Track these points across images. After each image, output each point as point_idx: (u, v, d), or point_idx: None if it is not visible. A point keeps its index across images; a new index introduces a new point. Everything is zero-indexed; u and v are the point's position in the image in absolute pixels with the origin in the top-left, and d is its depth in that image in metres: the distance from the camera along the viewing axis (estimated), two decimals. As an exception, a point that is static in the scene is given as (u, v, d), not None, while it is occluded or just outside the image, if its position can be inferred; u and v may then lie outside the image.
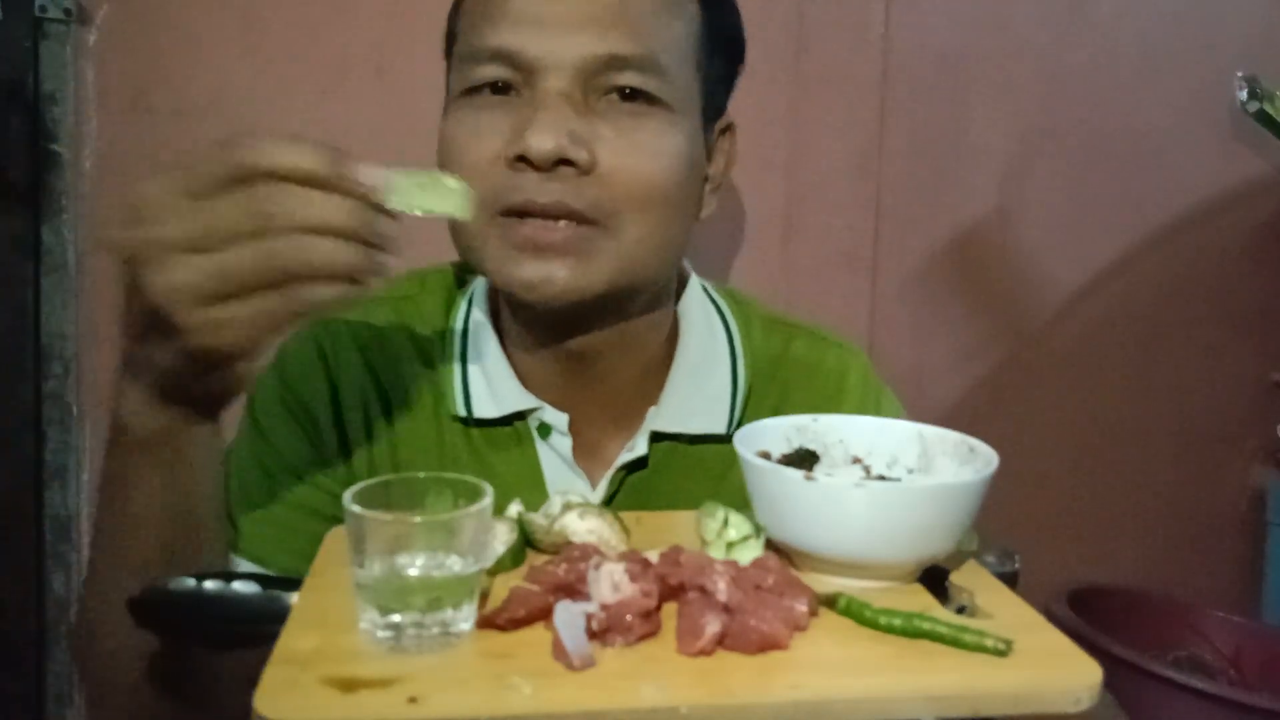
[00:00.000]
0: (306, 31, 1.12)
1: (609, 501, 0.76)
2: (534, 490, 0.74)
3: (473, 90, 0.70)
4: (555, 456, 0.76)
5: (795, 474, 0.55)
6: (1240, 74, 1.22)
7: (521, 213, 0.67)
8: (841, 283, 1.28)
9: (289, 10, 1.12)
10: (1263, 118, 1.22)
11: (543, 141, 0.64)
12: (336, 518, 0.72)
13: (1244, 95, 1.22)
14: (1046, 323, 1.35)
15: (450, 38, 0.76)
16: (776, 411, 0.78)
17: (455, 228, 0.71)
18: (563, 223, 0.67)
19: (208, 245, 0.51)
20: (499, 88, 0.69)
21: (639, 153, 0.68)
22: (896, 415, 0.83)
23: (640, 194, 0.68)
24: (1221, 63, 1.30)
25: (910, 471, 0.64)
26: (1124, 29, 1.31)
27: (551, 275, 0.67)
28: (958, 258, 1.31)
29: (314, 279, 0.52)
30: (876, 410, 0.82)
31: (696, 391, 0.78)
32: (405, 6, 1.14)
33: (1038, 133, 1.31)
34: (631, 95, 0.68)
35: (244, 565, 0.73)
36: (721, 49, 0.76)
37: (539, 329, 0.75)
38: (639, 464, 0.77)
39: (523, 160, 0.66)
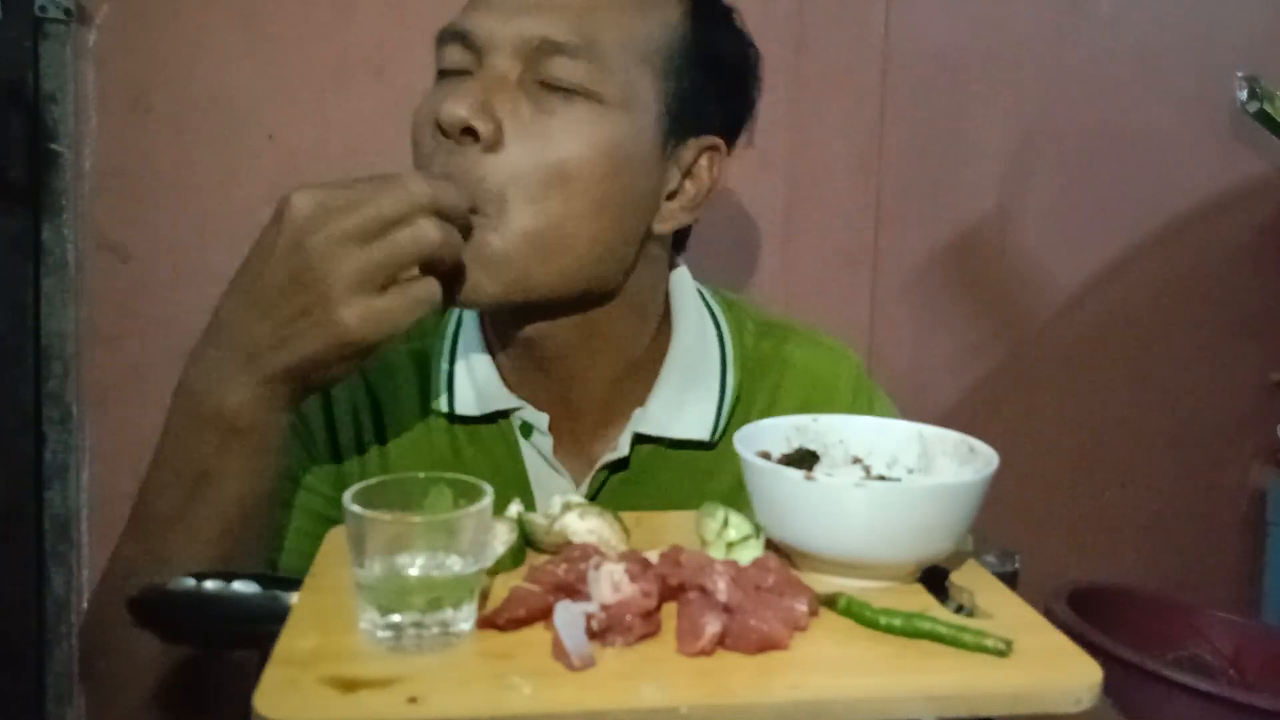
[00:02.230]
0: (306, 31, 1.12)
1: (591, 501, 0.76)
2: (518, 488, 0.75)
3: (441, 74, 0.73)
4: (538, 455, 0.77)
5: (795, 474, 0.55)
6: (1240, 74, 1.22)
7: None
8: (841, 283, 1.28)
9: (289, 10, 1.12)
10: (1263, 118, 1.22)
11: (451, 109, 0.66)
12: (331, 517, 0.74)
13: (1244, 95, 1.22)
14: (1046, 322, 1.35)
15: None
16: (767, 414, 0.78)
17: None
18: None
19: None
20: (460, 72, 0.71)
21: (549, 138, 0.67)
22: (889, 417, 0.83)
23: (541, 180, 0.67)
24: (1221, 63, 1.30)
25: (910, 471, 0.64)
26: (1124, 29, 1.31)
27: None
28: (958, 257, 1.31)
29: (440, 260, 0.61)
30: (869, 412, 0.82)
31: (684, 396, 0.78)
32: (405, 6, 1.14)
33: (1038, 133, 1.31)
34: (561, 86, 0.68)
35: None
36: (704, 63, 0.74)
37: (498, 323, 0.77)
38: (620, 465, 0.77)
39: (439, 128, 0.68)
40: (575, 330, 0.75)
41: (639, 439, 0.77)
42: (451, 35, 0.71)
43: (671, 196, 0.76)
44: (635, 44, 0.70)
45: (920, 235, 1.30)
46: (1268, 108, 1.20)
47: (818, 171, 1.25)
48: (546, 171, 0.67)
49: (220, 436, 0.62)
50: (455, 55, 0.71)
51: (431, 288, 0.61)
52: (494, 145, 0.67)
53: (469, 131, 0.66)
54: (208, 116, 1.11)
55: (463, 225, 0.63)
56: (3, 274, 1.09)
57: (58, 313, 1.11)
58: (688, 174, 0.76)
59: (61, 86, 1.08)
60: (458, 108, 0.66)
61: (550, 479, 0.76)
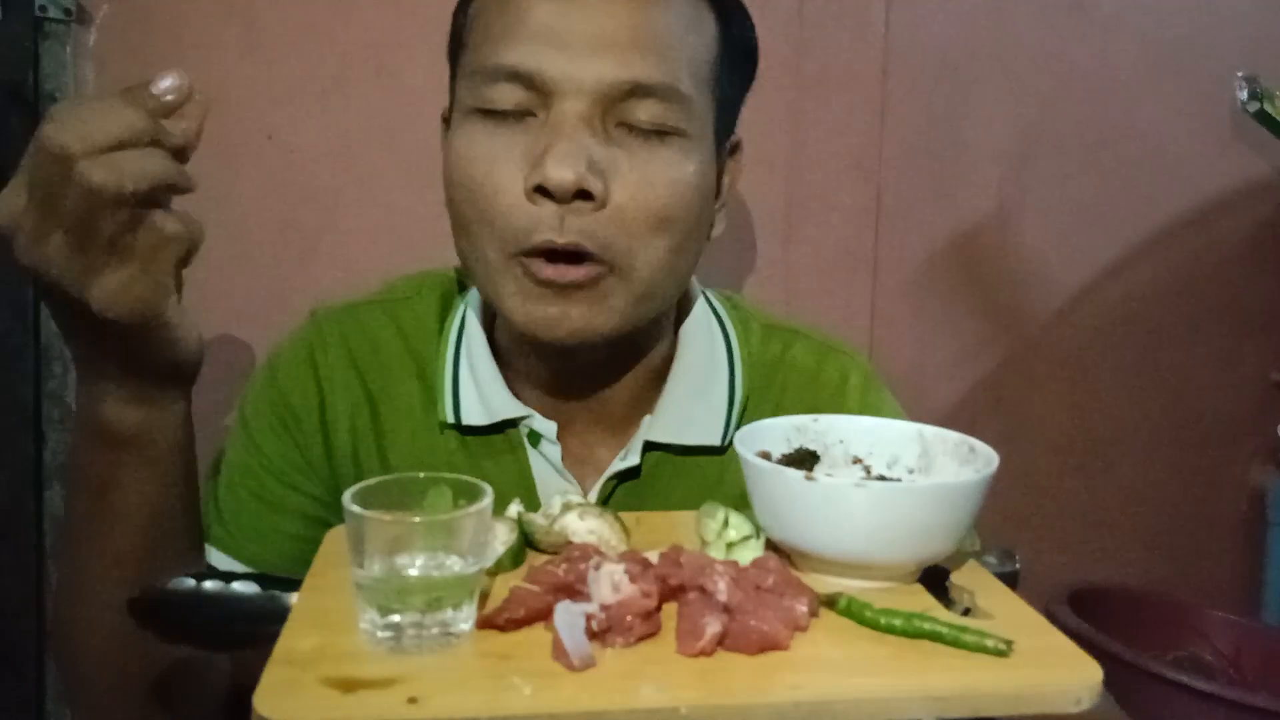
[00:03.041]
0: (306, 31, 1.12)
1: None
2: (526, 496, 0.74)
3: (487, 112, 0.67)
4: (546, 464, 0.76)
5: (795, 474, 0.55)
6: (1240, 74, 1.22)
7: (541, 254, 0.66)
8: (842, 283, 1.28)
9: (289, 10, 1.12)
10: (1263, 118, 1.22)
11: (563, 173, 0.63)
12: (321, 519, 0.74)
13: (1244, 95, 1.22)
14: (1047, 322, 1.35)
15: (456, 42, 0.74)
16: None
17: (472, 262, 0.70)
18: (585, 266, 0.66)
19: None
20: (520, 113, 0.66)
21: (653, 185, 0.66)
22: (898, 419, 0.83)
23: (651, 226, 0.67)
24: (1221, 63, 1.30)
25: (911, 472, 0.65)
26: (1124, 29, 1.31)
27: (567, 314, 0.66)
28: (958, 258, 1.31)
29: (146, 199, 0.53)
30: (879, 412, 0.81)
31: (693, 404, 0.78)
32: (405, 6, 1.14)
33: (1038, 132, 1.31)
34: (651, 129, 0.67)
35: (227, 561, 0.74)
36: (737, 66, 0.74)
37: (541, 350, 0.74)
38: (631, 473, 0.76)
39: (540, 190, 0.64)
40: (616, 346, 0.74)
41: (649, 446, 0.76)
42: (509, 75, 0.65)
43: (715, 201, 0.76)
44: (699, 69, 0.69)
45: (920, 235, 1.30)
46: (1268, 108, 1.20)
47: (818, 171, 1.25)
48: (654, 219, 0.66)
49: (110, 448, 0.62)
50: (514, 96, 0.66)
51: (160, 230, 0.54)
52: (604, 201, 0.65)
53: (581, 194, 0.64)
54: (207, 116, 1.11)
55: (143, 140, 0.54)
56: (3, 274, 1.09)
57: (58, 313, 1.11)
58: (719, 177, 0.76)
59: (61, 86, 1.08)
60: (567, 172, 0.62)
61: (558, 487, 0.75)
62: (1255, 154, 1.35)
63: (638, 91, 0.65)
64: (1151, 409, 1.39)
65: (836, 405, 0.80)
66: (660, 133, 0.67)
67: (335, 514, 0.75)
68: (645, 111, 0.66)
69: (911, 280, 1.30)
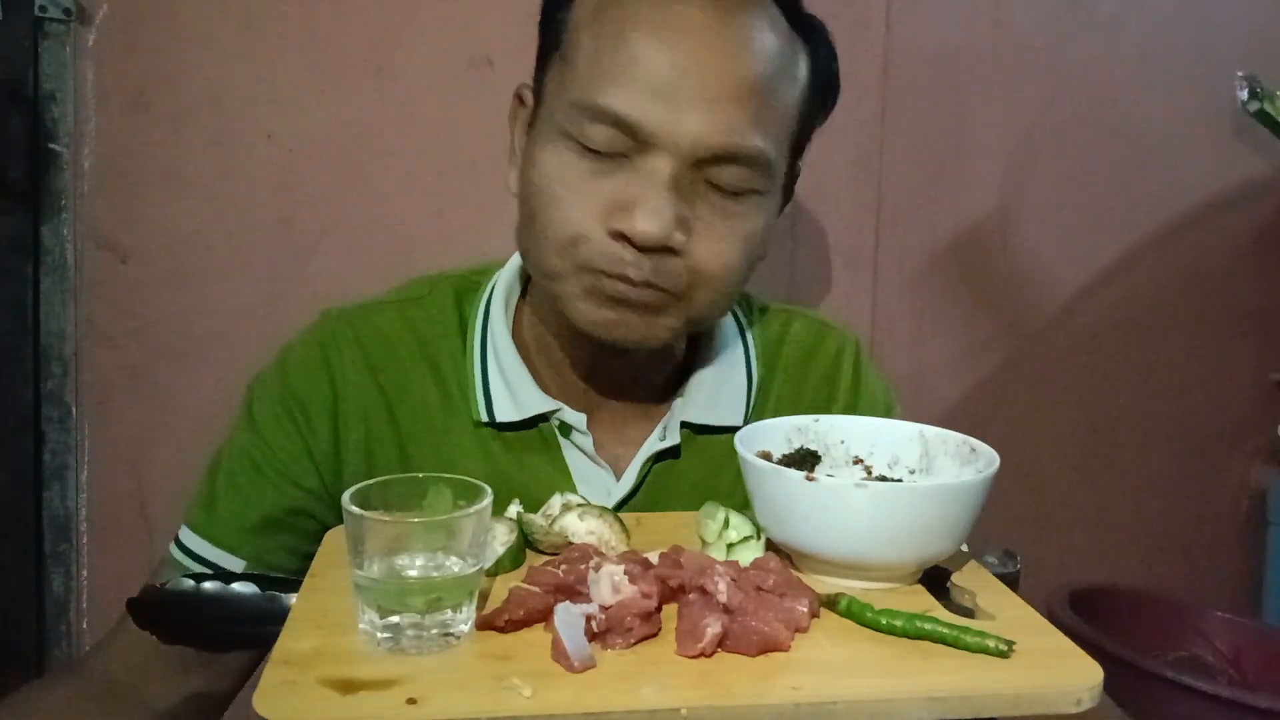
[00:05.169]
0: (305, 31, 1.12)
1: (637, 490, 0.77)
2: (563, 484, 0.76)
3: (578, 143, 0.68)
4: (579, 452, 0.78)
5: (796, 475, 0.55)
6: (1240, 74, 1.22)
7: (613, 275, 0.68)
8: (843, 283, 1.28)
9: (289, 10, 1.12)
10: (1263, 118, 1.22)
11: (650, 228, 0.65)
12: (305, 511, 0.75)
13: (1244, 95, 1.22)
14: (1047, 322, 1.35)
15: (552, 34, 0.73)
16: (781, 393, 0.83)
17: (535, 257, 0.71)
18: (651, 291, 0.68)
19: None
20: (612, 155, 0.68)
21: (727, 240, 0.70)
22: (882, 392, 0.87)
23: (720, 274, 0.70)
24: (1221, 63, 1.29)
25: (911, 472, 0.64)
26: (1124, 29, 1.31)
27: (626, 323, 0.69)
28: (958, 257, 1.31)
29: None
30: (867, 385, 0.85)
31: (720, 385, 0.81)
32: (404, 6, 1.13)
33: (1038, 132, 1.31)
34: (732, 190, 0.69)
35: (199, 542, 0.75)
36: (820, 103, 0.77)
37: (586, 346, 0.76)
38: (669, 452, 0.78)
39: (623, 237, 0.66)
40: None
41: (681, 425, 0.79)
42: (612, 120, 0.66)
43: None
44: (786, 121, 0.72)
45: (921, 235, 1.30)
46: (1268, 108, 1.20)
47: (818, 171, 1.25)
48: (723, 269, 0.70)
49: None
50: (610, 138, 0.67)
51: None
52: (681, 251, 0.68)
53: (662, 247, 0.67)
54: (206, 116, 1.11)
55: None
56: (2, 274, 1.09)
57: (57, 313, 1.10)
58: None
59: (61, 86, 1.08)
60: (654, 228, 0.65)
61: (593, 474, 0.77)
62: (1255, 154, 1.35)
63: (726, 157, 0.68)
64: (1152, 409, 1.39)
65: (833, 377, 0.85)
66: (738, 192, 0.70)
67: (324, 508, 0.76)
68: (731, 175, 0.68)
69: (912, 280, 1.30)
